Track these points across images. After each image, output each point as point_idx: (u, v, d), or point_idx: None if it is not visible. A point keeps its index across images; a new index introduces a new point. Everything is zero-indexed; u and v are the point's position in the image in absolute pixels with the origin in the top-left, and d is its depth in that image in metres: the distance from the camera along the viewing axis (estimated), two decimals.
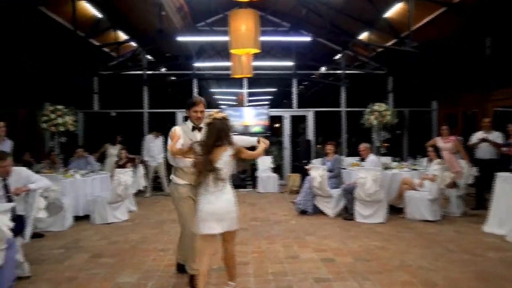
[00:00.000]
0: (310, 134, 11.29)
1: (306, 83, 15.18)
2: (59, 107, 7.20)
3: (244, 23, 5.47)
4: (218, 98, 15.89)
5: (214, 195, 3.19)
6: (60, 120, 7.08)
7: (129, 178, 6.64)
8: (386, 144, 10.68)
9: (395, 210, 6.68)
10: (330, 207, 6.78)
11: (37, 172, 6.78)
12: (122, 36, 10.49)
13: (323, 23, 9.19)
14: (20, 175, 4.18)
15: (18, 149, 7.86)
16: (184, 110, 11.34)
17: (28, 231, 4.04)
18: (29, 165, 7.36)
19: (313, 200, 6.96)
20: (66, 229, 6.10)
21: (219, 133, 3.18)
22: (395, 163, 7.55)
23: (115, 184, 6.47)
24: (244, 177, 10.78)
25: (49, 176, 6.13)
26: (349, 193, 6.50)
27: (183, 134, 3.63)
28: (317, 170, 6.68)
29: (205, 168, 3.16)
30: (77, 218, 6.62)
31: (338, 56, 11.93)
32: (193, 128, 3.72)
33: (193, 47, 10.66)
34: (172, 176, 3.79)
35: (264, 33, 9.94)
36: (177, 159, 3.59)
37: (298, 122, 12.12)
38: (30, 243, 5.31)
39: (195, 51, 11.26)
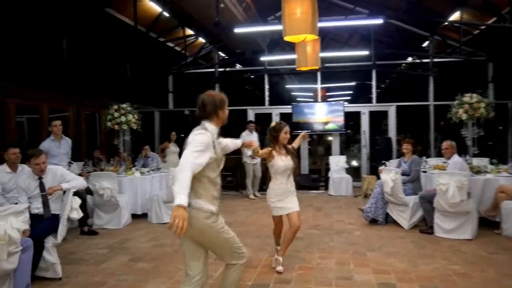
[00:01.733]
0: (392, 131, 10.10)
1: (392, 75, 13.80)
2: (123, 105, 7.29)
3: (299, 6, 4.83)
4: (294, 95, 15.24)
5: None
6: (123, 119, 7.15)
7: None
8: (489, 143, 9.09)
9: (489, 224, 5.45)
10: (404, 217, 5.78)
11: (101, 169, 6.99)
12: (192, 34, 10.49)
13: (406, 5, 8.03)
14: (56, 174, 4.11)
15: (92, 147, 8.28)
16: (256, 107, 11.27)
17: (62, 231, 3.92)
18: (98, 162, 7.64)
19: (384, 207, 6.03)
20: (122, 228, 6.08)
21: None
22: (491, 166, 6.20)
23: (170, 183, 6.29)
24: (316, 178, 10.05)
25: (107, 173, 6.20)
26: (427, 202, 5.45)
27: (214, 144, 2.59)
28: (389, 173, 5.74)
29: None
30: (136, 216, 6.61)
31: (426, 44, 10.49)
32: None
33: (262, 41, 10.20)
34: (197, 201, 2.48)
35: (335, 20, 9.16)
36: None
37: (377, 118, 10.97)
38: (82, 240, 5.43)
39: (266, 46, 10.80)
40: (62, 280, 3.90)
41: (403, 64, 12.22)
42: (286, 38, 5.40)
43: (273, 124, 4.19)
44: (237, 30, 7.09)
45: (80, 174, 6.41)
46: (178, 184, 2.25)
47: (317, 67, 7.13)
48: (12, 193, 4.58)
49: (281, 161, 4.02)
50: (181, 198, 2.20)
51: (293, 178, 4.17)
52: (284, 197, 4.07)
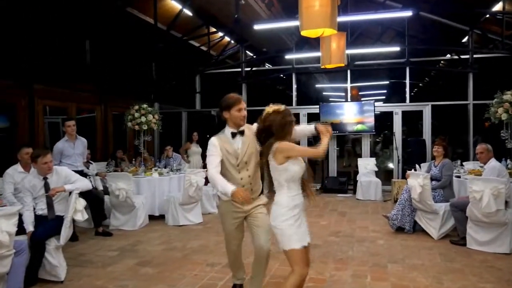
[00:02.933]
0: (426, 132, 9.48)
1: (430, 73, 13.03)
2: (144, 106, 7.26)
3: None
4: (325, 95, 14.77)
5: None
6: (143, 119, 7.12)
7: (201, 179, 6.25)
8: None
9: None
10: (434, 226, 5.30)
11: (122, 170, 6.98)
12: (218, 34, 10.37)
13: None
14: (61, 175, 4.05)
15: (119, 148, 8.32)
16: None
17: (65, 233, 3.84)
18: (120, 162, 7.66)
19: (412, 215, 5.57)
20: (137, 229, 6.01)
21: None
22: None
23: (186, 185, 6.16)
24: (345, 181, 9.62)
25: (123, 174, 6.15)
26: (459, 210, 4.95)
27: (220, 146, 2.97)
28: (417, 178, 5.28)
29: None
30: (153, 218, 6.52)
31: (465, 39, 9.76)
32: (233, 135, 3.00)
33: (289, 39, 9.91)
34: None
35: (363, 14, 8.66)
36: (213, 180, 2.84)
37: (412, 119, 10.36)
38: (96, 241, 5.38)
39: (294, 44, 10.49)
40: (64, 283, 3.82)
41: (442, 61, 11.49)
42: (303, 33, 5.07)
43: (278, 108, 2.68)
44: (257, 27, 6.85)
45: (97, 175, 6.45)
46: (218, 184, 2.73)
47: (342, 64, 6.73)
48: (22, 193, 4.57)
49: (298, 163, 2.63)
50: (229, 186, 2.67)
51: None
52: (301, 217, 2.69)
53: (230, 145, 2.99)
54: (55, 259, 3.81)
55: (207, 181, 6.19)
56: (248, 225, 3.07)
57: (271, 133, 2.61)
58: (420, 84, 14.34)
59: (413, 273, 3.97)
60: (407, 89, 9.74)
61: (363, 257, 4.52)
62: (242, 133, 3.01)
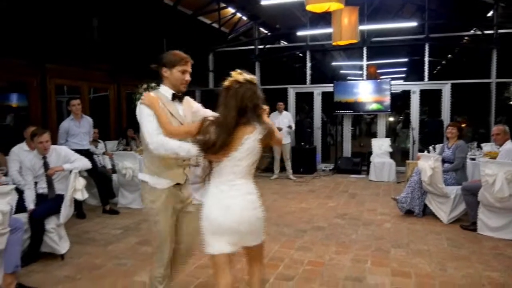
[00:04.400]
0: (445, 112, 9.10)
1: (452, 49, 12.45)
2: (152, 84, 7.18)
3: None
4: (342, 73, 14.37)
5: (230, 197, 2.17)
6: None
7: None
8: None
9: None
10: (444, 210, 5.11)
11: (131, 149, 7.00)
12: (230, 10, 10.12)
13: None
14: (60, 154, 4.06)
15: (129, 126, 8.33)
16: (297, 85, 10.77)
17: (65, 211, 3.88)
18: (131, 141, 7.69)
19: (422, 198, 5.39)
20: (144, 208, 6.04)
21: (243, 104, 2.12)
22: None
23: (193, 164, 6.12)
24: (358, 161, 9.42)
25: (129, 153, 6.17)
26: (471, 194, 4.74)
27: (161, 105, 2.42)
28: (428, 160, 5.07)
29: (219, 157, 2.15)
30: None
31: (490, 13, 9.21)
32: (174, 97, 2.49)
33: (302, 14, 9.59)
34: (143, 175, 2.53)
35: None
36: (170, 145, 2.28)
37: (431, 98, 9.98)
38: (102, 219, 5.45)
39: (308, 19, 10.15)
40: (64, 260, 3.88)
41: (466, 37, 10.92)
42: (308, 8, 4.89)
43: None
44: (264, 2, 6.59)
45: (104, 154, 6.50)
46: (178, 148, 2.30)
47: (355, 41, 6.48)
48: (23, 171, 4.63)
49: None
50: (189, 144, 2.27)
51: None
52: None
53: (173, 106, 2.48)
54: (56, 237, 3.87)
55: None
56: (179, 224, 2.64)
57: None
58: (443, 62, 13.76)
59: (416, 259, 3.84)
60: (426, 67, 9.32)
61: (367, 241, 4.41)
62: (181, 98, 2.54)
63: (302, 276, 3.49)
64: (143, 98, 2.40)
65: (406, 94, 9.70)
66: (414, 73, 11.05)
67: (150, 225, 2.56)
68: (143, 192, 2.54)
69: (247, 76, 2.19)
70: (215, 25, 10.51)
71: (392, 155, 8.78)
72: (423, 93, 9.39)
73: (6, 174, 4.60)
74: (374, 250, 4.13)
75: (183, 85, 2.50)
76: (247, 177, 2.21)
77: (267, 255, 4.00)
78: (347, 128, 9.94)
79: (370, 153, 8.96)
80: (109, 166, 6.55)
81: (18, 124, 6.74)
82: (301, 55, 11.11)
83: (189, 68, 2.49)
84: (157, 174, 2.48)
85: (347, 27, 6.34)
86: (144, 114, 2.36)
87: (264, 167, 2.36)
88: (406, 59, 12.57)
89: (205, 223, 2.19)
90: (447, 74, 10.41)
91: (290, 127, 8.58)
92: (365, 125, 14.17)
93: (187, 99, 2.63)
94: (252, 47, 10.94)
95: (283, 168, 8.75)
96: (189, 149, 2.26)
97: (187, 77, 2.48)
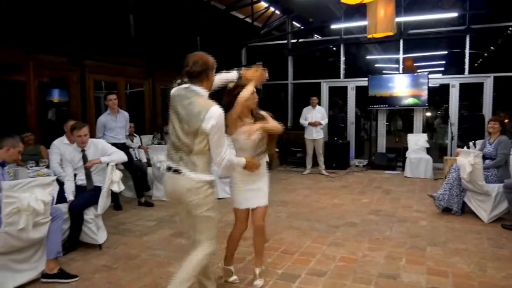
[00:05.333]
0: (487, 107, 8.70)
1: (497, 41, 11.81)
2: (186, 79, 7.28)
3: None
4: (378, 67, 13.98)
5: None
6: None
7: (232, 156, 6.23)
8: None
9: None
10: (485, 209, 4.89)
11: (165, 143, 7.15)
12: (263, 4, 10.09)
13: None
14: (97, 147, 4.19)
15: (164, 121, 8.51)
16: (330, 80, 10.60)
17: (102, 202, 4.01)
18: (166, 135, 7.86)
19: (461, 195, 5.18)
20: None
21: None
22: None
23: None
24: (394, 157, 9.19)
25: (164, 147, 6.29)
26: None
27: None
28: (468, 156, 4.86)
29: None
30: None
31: None
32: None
33: (336, 7, 9.40)
34: (202, 175, 2.53)
35: None
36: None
37: (473, 92, 9.56)
38: (137, 211, 5.61)
39: (342, 13, 9.95)
40: (102, 249, 4.03)
41: (510, 28, 10.34)
42: (343, 0, 4.81)
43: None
44: None
45: (140, 147, 6.67)
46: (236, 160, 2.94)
47: (391, 33, 6.30)
48: (64, 164, 4.83)
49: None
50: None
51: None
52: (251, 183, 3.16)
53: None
54: (94, 227, 4.02)
55: None
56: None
57: None
58: (485, 54, 13.11)
59: (454, 258, 3.70)
60: (467, 60, 8.93)
61: (401, 238, 4.30)
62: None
63: (335, 272, 3.44)
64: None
65: (444, 88, 9.34)
66: (453, 66, 10.59)
67: (210, 218, 2.69)
68: (204, 190, 2.55)
69: None
70: (248, 19, 10.51)
71: (429, 151, 8.49)
72: (463, 87, 9.02)
73: (48, 166, 4.83)
74: (409, 247, 4.01)
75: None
76: None
77: (297, 250, 3.99)
78: (381, 123, 9.71)
79: (406, 148, 8.72)
80: (144, 160, 6.72)
81: (59, 119, 7.03)
82: (334, 49, 10.92)
83: None
84: (210, 172, 2.64)
85: (383, 19, 6.17)
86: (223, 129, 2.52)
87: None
88: (445, 52, 12.07)
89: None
90: (489, 67, 9.89)
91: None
92: (400, 120, 13.77)
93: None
94: (285, 41, 10.89)
95: (315, 164, 8.67)
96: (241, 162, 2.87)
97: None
